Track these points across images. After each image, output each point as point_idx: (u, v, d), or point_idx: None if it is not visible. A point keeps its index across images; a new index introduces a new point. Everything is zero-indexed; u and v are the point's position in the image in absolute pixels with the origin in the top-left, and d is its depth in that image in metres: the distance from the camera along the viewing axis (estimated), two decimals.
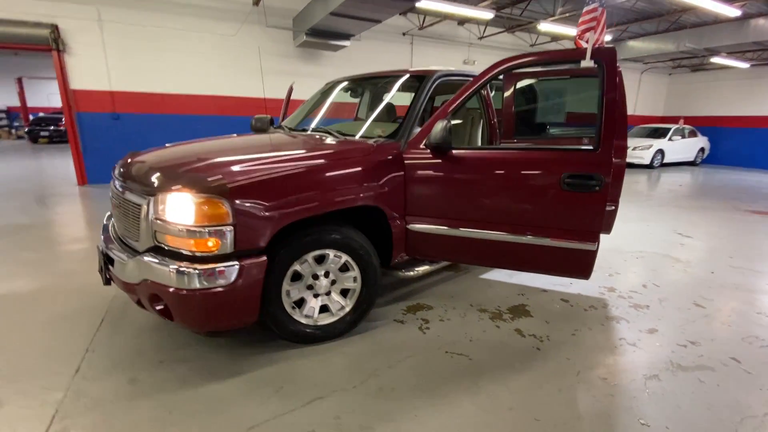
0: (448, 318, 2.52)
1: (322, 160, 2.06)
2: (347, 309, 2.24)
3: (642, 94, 14.44)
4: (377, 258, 2.26)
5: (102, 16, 6.74)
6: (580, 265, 2.19)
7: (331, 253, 2.11)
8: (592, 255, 2.15)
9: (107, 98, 7.04)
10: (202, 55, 7.60)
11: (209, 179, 1.74)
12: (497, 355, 2.13)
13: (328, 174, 2.02)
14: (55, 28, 6.35)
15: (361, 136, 2.56)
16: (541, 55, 2.22)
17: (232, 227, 1.72)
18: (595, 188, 2.04)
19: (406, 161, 2.33)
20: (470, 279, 3.14)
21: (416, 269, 2.61)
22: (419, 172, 2.34)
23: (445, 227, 2.39)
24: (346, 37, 7.08)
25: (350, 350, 2.14)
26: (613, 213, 2.86)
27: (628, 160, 11.09)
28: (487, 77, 2.25)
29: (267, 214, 1.80)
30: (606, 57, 2.04)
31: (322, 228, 2.05)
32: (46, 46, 6.30)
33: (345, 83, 3.34)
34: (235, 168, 1.85)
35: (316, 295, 2.17)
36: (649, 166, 11.51)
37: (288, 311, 2.07)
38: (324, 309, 2.20)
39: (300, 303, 2.14)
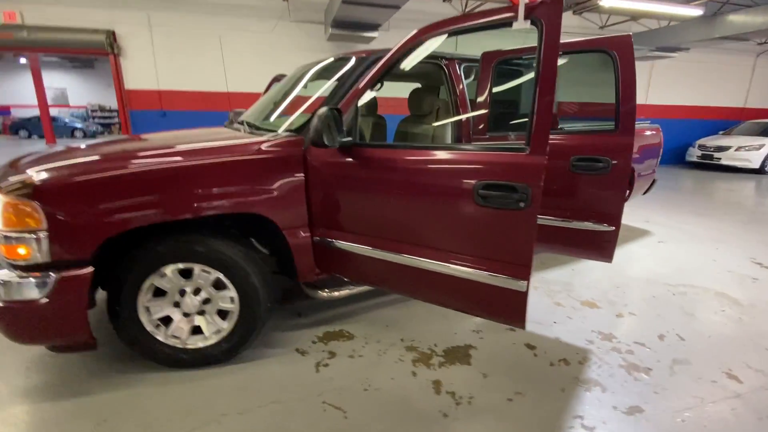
0: (360, 354, 2.05)
1: (178, 159, 1.73)
2: (224, 333, 1.91)
3: (756, 83, 11.69)
4: (262, 276, 1.89)
5: (151, 21, 7.27)
6: (507, 309, 1.57)
7: (197, 268, 1.80)
8: (520, 297, 1.52)
9: (155, 97, 7.61)
10: (241, 53, 7.83)
11: (18, 178, 1.53)
12: (383, 417, 1.63)
13: (183, 176, 1.69)
14: (111, 34, 7.00)
15: (285, 130, 2.19)
16: (467, 18, 1.64)
17: (45, 233, 1.49)
18: (519, 204, 1.42)
19: (310, 161, 1.92)
20: (424, 305, 2.60)
21: (340, 290, 2.19)
22: (324, 174, 1.91)
23: (351, 243, 1.93)
24: (373, 27, 6.70)
25: (212, 383, 1.81)
26: (611, 236, 2.13)
27: (730, 162, 9.08)
28: (400, 52, 1.73)
29: (89, 219, 1.54)
30: (547, 15, 1.40)
31: (179, 238, 1.74)
32: (104, 50, 6.98)
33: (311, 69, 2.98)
34: (62, 165, 1.60)
35: (186, 314, 1.88)
36: (759, 171, 9.23)
37: (148, 329, 1.81)
38: (198, 331, 1.91)
39: (168, 321, 1.87)
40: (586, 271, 3.22)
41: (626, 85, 2.08)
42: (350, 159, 1.83)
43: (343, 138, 1.77)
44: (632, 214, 5.14)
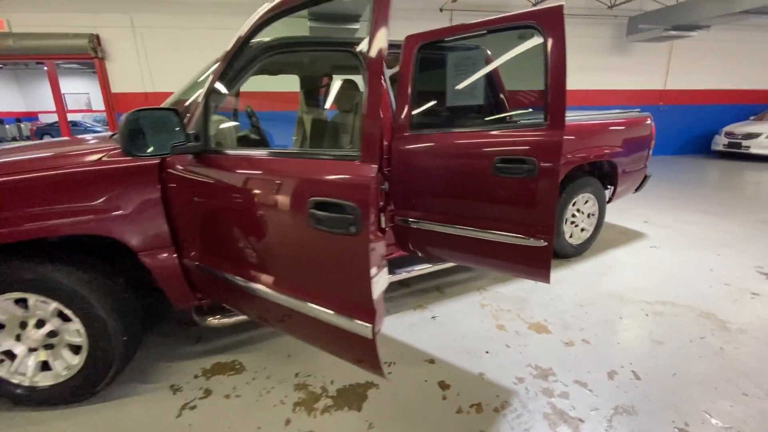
0: (239, 394, 1.77)
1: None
2: (74, 370, 1.67)
3: None
4: (113, 306, 1.63)
5: (134, 22, 7.21)
6: (359, 354, 1.24)
7: (32, 298, 1.57)
8: (367, 345, 1.18)
9: (142, 99, 7.57)
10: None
11: None
12: None
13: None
14: (95, 38, 6.98)
15: None
16: None
17: None
18: (350, 229, 1.08)
19: (170, 172, 1.64)
20: None
21: (230, 317, 1.92)
22: (180, 188, 1.63)
23: (214, 267, 1.64)
24: (352, 18, 6.36)
25: (55, 428, 1.58)
26: (543, 252, 1.75)
27: (761, 151, 8.22)
28: (242, 39, 1.42)
29: None
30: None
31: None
32: (88, 55, 6.98)
33: None
34: None
35: (33, 349, 1.65)
36: None
37: None
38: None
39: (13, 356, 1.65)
40: (551, 284, 2.81)
41: (556, 67, 1.68)
42: (199, 169, 1.54)
43: (189, 142, 1.49)
44: (628, 213, 4.60)
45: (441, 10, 8.19)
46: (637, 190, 3.71)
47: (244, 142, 2.43)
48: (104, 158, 1.58)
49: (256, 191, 1.34)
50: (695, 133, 10.16)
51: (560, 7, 1.68)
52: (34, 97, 22.93)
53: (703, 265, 3.10)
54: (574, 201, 3.11)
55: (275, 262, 1.37)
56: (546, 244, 1.78)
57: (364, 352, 1.20)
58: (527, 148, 1.73)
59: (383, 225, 2.33)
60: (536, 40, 1.79)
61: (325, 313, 1.24)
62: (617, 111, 3.49)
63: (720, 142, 9.18)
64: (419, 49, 2.13)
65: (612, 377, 1.84)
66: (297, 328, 1.44)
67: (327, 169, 1.13)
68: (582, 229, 3.29)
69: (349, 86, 2.46)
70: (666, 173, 7.36)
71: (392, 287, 2.77)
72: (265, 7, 1.41)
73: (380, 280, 1.12)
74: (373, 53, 1.04)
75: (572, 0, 8.49)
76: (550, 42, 1.69)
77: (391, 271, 2.41)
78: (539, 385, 1.79)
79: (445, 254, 2.17)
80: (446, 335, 2.19)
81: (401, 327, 2.28)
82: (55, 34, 6.74)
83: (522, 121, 1.99)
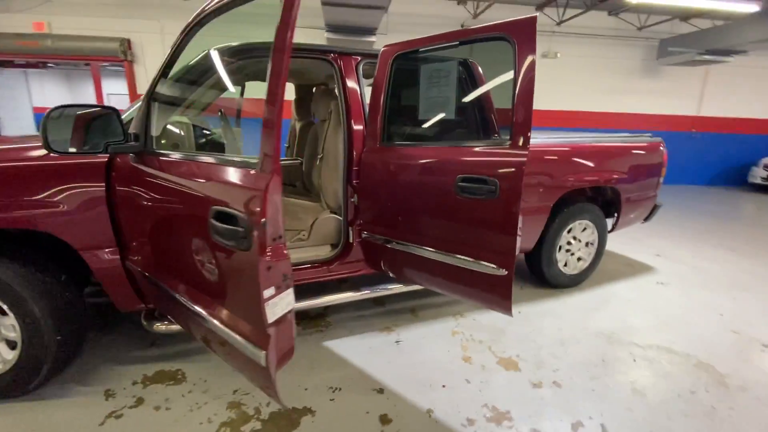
0: (169, 407, 1.69)
1: None
2: (8, 365, 1.65)
3: None
4: (48, 302, 1.60)
5: (164, 29, 7.54)
6: (257, 379, 1.13)
7: None
8: (263, 373, 1.06)
9: None
10: None
11: None
12: None
13: None
14: (126, 42, 7.35)
15: None
16: None
17: None
18: (242, 243, 0.98)
19: (116, 171, 1.62)
20: (310, 345, 2.18)
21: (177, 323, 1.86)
22: (122, 188, 1.60)
23: (144, 271, 1.59)
24: (368, 31, 6.39)
25: None
26: (504, 281, 1.62)
27: None
28: (175, 45, 1.39)
29: None
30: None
31: None
32: (118, 57, 7.34)
33: None
34: None
35: None
36: None
37: None
38: None
39: None
40: (535, 316, 2.60)
41: (525, 83, 1.55)
42: (135, 169, 1.50)
43: (129, 142, 1.46)
44: (640, 243, 4.28)
45: (462, 26, 8.13)
46: (646, 219, 3.44)
47: (204, 145, 2.40)
48: (51, 154, 1.58)
49: (170, 196, 1.28)
50: (730, 163, 9.52)
51: (533, 19, 1.56)
52: (82, 97, 24.54)
53: (712, 309, 2.80)
54: (569, 227, 2.91)
55: (188, 273, 1.29)
56: (506, 273, 1.62)
57: (261, 379, 1.09)
58: (488, 168, 1.60)
59: (351, 239, 2.23)
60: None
61: (227, 333, 1.15)
62: (625, 135, 3.27)
63: (758, 175, 8.56)
64: (393, 60, 2.05)
65: (576, 429, 1.64)
66: (213, 346, 1.35)
67: (227, 177, 1.05)
68: (579, 258, 3.06)
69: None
70: (693, 204, 6.89)
71: (365, 305, 2.65)
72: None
73: (280, 303, 1.02)
74: (276, 57, 0.95)
75: (600, 20, 8.23)
76: (519, 56, 1.57)
77: (357, 289, 2.30)
78: (490, 430, 1.62)
79: (411, 275, 2.04)
80: (405, 363, 2.04)
81: (360, 349, 2.15)
82: (89, 37, 7.14)
83: (487, 139, 1.86)
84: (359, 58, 2.18)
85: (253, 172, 0.98)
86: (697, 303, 2.88)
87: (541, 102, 8.68)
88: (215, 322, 1.19)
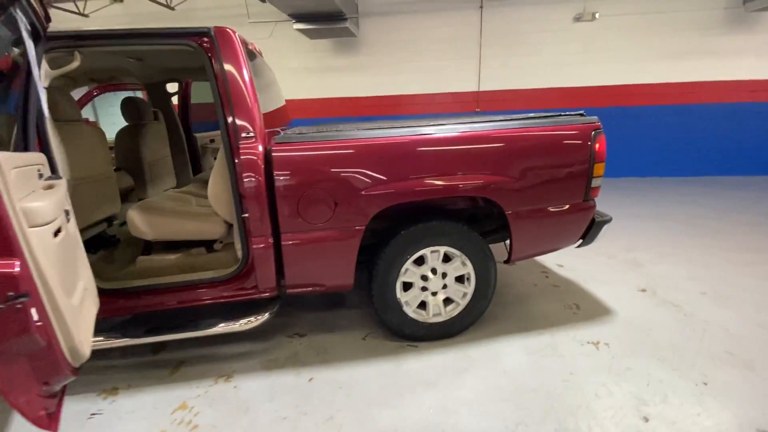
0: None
1: None
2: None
3: None
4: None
5: None
6: None
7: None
8: None
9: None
10: None
11: None
12: None
13: None
14: None
15: None
16: None
17: None
18: None
19: None
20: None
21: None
22: None
23: None
24: (338, 17, 5.72)
25: None
26: None
27: None
28: None
29: None
30: None
31: None
32: None
33: None
34: None
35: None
36: None
37: None
38: None
39: None
40: (326, 386, 1.81)
41: None
42: None
43: None
44: (636, 270, 2.96)
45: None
46: (584, 240, 2.28)
47: None
48: None
49: None
50: None
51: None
52: None
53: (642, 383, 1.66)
54: (415, 256, 2.01)
55: None
56: None
57: None
58: None
59: None
60: None
61: None
62: (538, 113, 2.20)
63: None
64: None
65: None
66: None
67: None
68: (447, 300, 2.13)
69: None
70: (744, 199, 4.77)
71: (143, 350, 2.16)
72: None
73: None
74: None
75: None
76: None
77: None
78: None
79: None
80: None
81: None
82: None
83: None
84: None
85: None
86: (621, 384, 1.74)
87: (573, 78, 7.09)
88: None
